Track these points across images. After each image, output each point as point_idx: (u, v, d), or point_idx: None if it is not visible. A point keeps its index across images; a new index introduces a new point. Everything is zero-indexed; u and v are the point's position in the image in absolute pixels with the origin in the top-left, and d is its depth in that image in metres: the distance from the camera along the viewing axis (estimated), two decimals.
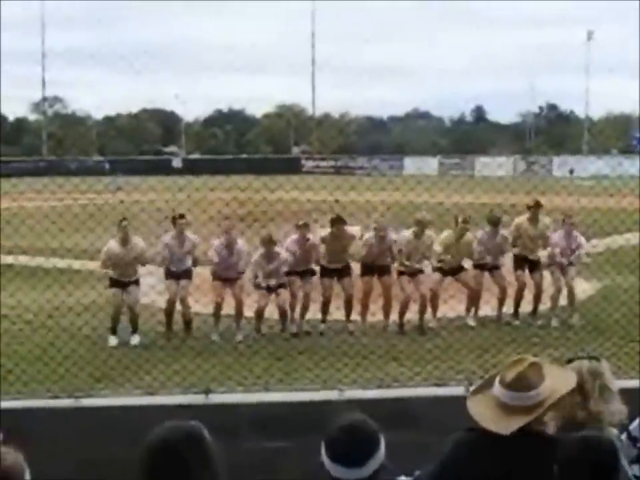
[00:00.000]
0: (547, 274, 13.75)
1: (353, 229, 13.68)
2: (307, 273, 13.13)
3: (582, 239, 13.58)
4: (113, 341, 12.12)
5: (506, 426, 3.93)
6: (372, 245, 13.20)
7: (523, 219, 13.80)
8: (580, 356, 4.49)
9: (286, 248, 13.07)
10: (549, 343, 11.33)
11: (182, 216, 12.88)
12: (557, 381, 4.08)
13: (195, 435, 3.23)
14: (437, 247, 13.36)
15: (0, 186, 16.35)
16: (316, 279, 13.22)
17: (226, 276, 12.82)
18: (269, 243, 12.87)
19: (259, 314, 12.78)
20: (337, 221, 13.18)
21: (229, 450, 7.46)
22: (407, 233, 13.33)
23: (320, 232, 13.53)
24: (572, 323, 13.04)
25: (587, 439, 3.80)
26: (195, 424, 3.28)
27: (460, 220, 13.57)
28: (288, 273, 12.95)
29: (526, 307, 13.67)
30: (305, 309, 13.03)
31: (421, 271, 13.35)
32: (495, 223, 13.61)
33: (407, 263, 13.15)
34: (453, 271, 13.56)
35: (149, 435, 3.18)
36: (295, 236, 13.21)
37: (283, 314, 12.86)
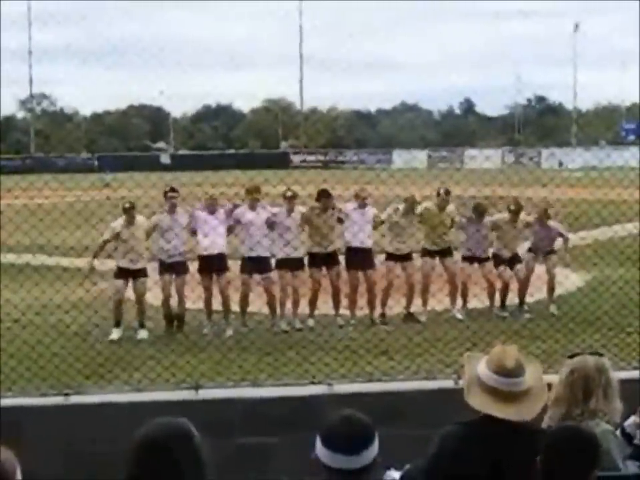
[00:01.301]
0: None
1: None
2: (295, 267, 13.08)
3: (560, 227, 13.65)
4: (115, 334, 12.04)
5: (515, 413, 3.97)
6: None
7: (501, 219, 13.81)
8: (583, 351, 4.54)
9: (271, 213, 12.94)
10: (537, 335, 11.36)
11: (173, 189, 12.71)
12: (530, 369, 4.15)
13: (183, 432, 3.23)
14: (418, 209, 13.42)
15: None
16: (302, 272, 13.15)
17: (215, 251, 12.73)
18: (254, 192, 12.72)
19: (244, 298, 12.71)
20: (323, 195, 12.92)
21: (219, 445, 7.46)
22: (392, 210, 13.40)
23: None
24: (552, 312, 13.15)
25: (567, 428, 3.84)
26: (183, 420, 3.28)
27: (442, 192, 13.61)
28: (278, 266, 12.90)
29: (515, 298, 13.72)
30: (296, 305, 12.96)
31: (409, 257, 13.37)
32: (481, 212, 13.59)
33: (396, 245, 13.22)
34: (440, 252, 13.59)
35: (137, 431, 3.18)
36: (281, 208, 12.97)
37: (271, 299, 12.79)
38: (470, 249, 13.66)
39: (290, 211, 12.81)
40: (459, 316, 13.23)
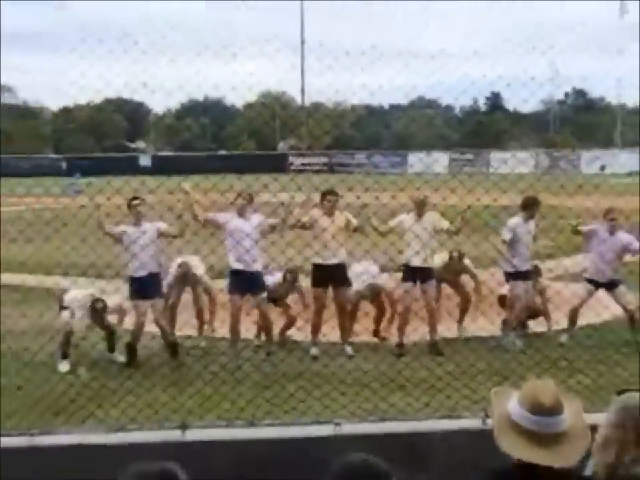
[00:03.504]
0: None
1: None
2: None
3: None
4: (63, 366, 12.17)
5: (555, 458, 3.98)
6: None
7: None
8: (632, 387, 4.54)
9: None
10: (579, 367, 11.33)
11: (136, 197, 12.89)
12: (570, 407, 4.14)
13: (170, 478, 3.24)
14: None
15: None
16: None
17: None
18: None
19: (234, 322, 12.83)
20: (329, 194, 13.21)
21: None
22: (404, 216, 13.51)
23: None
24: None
25: None
26: (170, 465, 3.29)
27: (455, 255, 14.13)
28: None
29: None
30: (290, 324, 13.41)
31: (430, 271, 13.41)
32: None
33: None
34: None
35: (119, 476, 3.19)
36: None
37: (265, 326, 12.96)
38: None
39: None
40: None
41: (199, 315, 13.80)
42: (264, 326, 12.97)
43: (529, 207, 13.52)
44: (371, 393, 10.30)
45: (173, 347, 12.80)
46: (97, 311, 12.56)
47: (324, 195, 13.07)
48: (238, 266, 12.68)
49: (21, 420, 9.15)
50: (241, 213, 12.75)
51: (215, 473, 7.74)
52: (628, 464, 4.16)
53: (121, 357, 12.61)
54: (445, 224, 13.26)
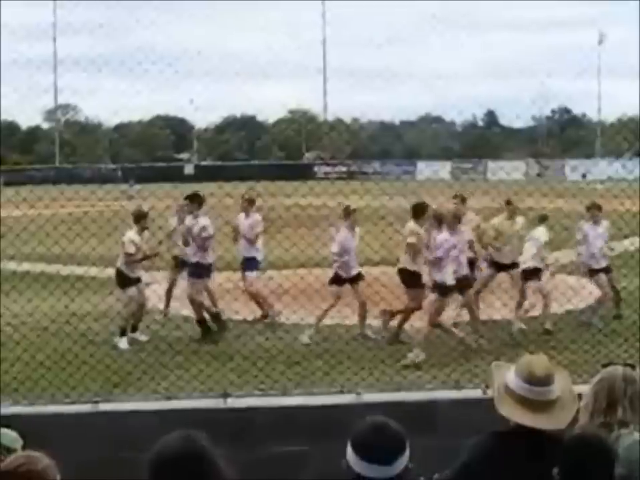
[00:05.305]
0: None
1: None
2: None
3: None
4: (124, 343, 12.09)
5: (547, 422, 3.98)
6: None
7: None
8: (616, 361, 4.54)
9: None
10: (566, 345, 11.31)
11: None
12: (559, 378, 4.15)
13: (196, 449, 3.17)
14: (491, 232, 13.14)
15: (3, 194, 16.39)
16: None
17: None
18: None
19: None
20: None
21: (247, 454, 7.46)
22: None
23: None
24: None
25: (580, 437, 3.85)
26: (197, 436, 3.21)
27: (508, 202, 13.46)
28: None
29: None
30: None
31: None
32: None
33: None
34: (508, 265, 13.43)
35: (154, 447, 3.15)
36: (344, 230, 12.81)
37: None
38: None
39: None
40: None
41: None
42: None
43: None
44: (387, 367, 10.30)
45: (202, 324, 12.76)
46: (140, 217, 12.41)
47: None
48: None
49: (86, 390, 9.19)
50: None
51: (253, 436, 7.78)
52: (599, 426, 4.16)
53: (143, 337, 12.43)
54: None
